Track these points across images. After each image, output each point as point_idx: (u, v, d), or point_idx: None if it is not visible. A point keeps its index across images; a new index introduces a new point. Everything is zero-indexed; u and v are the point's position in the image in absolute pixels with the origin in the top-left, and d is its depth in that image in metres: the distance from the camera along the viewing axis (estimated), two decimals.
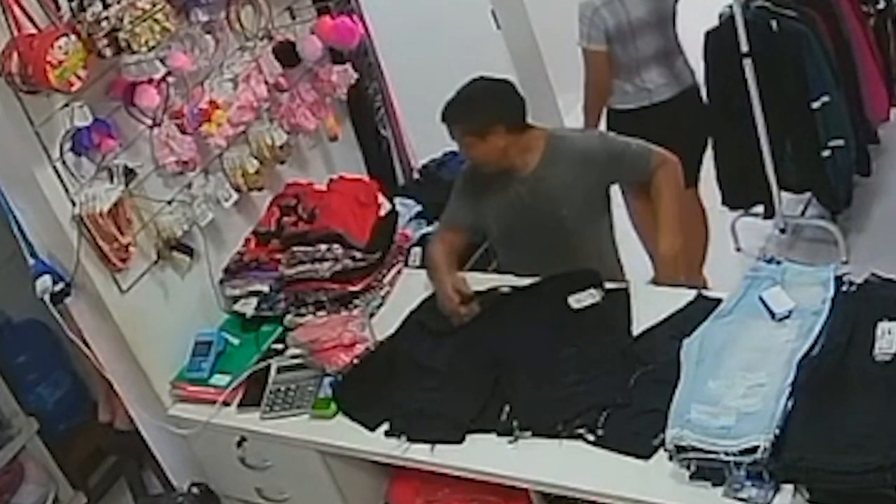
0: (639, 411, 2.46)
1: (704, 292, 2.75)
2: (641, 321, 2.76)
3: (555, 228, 3.01)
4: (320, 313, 3.14)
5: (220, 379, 3.07)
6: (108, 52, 2.71)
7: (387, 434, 2.73)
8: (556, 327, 2.82)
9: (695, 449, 2.24)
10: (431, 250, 3.18)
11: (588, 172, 2.98)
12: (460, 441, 2.62)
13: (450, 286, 2.97)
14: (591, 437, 2.46)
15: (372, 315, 3.14)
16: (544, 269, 3.00)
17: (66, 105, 2.77)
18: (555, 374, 2.67)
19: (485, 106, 2.95)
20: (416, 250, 3.43)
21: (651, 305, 2.79)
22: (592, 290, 2.87)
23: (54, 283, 2.90)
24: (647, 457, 2.36)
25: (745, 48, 3.73)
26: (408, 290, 3.22)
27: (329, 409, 2.86)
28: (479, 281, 3.10)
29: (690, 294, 2.77)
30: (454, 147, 3.28)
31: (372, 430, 2.76)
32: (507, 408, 2.62)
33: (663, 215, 3.01)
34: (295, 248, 3.19)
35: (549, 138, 3.02)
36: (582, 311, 2.84)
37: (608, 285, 2.91)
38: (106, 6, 2.68)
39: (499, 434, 2.58)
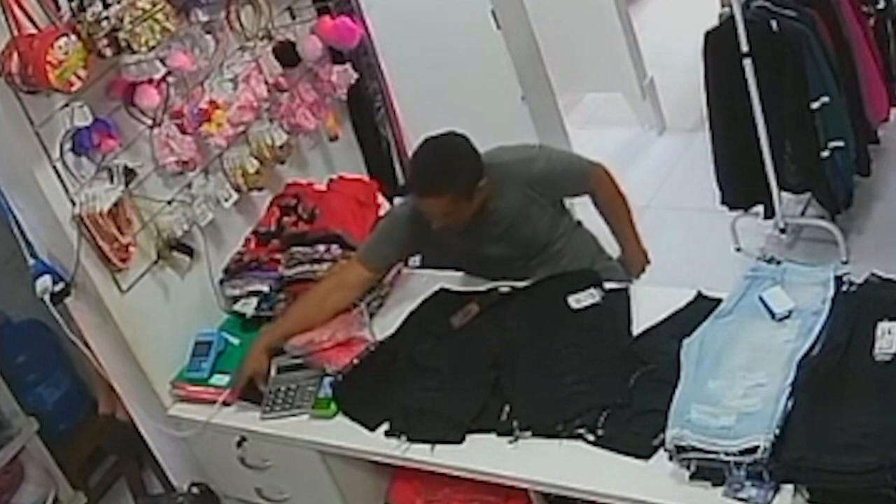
0: (639, 411, 2.46)
1: (704, 292, 2.75)
2: (641, 321, 2.75)
3: (521, 247, 2.97)
4: None
5: (220, 379, 3.08)
6: (108, 52, 2.71)
7: (387, 434, 2.72)
8: (556, 327, 2.81)
9: (695, 449, 2.24)
10: (316, 287, 3.07)
11: (535, 193, 2.91)
12: (460, 441, 2.62)
13: (249, 364, 2.96)
14: (590, 437, 2.46)
15: (372, 315, 3.13)
16: (519, 277, 2.99)
17: (66, 105, 2.77)
18: (555, 374, 2.67)
19: (469, 163, 2.81)
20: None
21: (651, 305, 2.79)
22: (592, 290, 2.87)
23: (54, 283, 2.90)
24: (646, 457, 2.36)
25: (745, 48, 3.73)
26: (407, 290, 3.22)
27: (329, 409, 2.85)
28: (479, 281, 3.10)
29: (690, 294, 2.77)
30: None
31: (372, 430, 2.76)
32: (506, 408, 2.62)
33: (624, 229, 3.10)
34: (294, 249, 3.19)
35: (490, 170, 2.85)
36: (582, 311, 2.84)
37: (608, 285, 2.91)
38: (106, 6, 2.68)
39: (499, 434, 2.57)
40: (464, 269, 3.18)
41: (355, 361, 2.89)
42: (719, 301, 2.63)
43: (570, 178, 3.01)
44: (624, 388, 2.53)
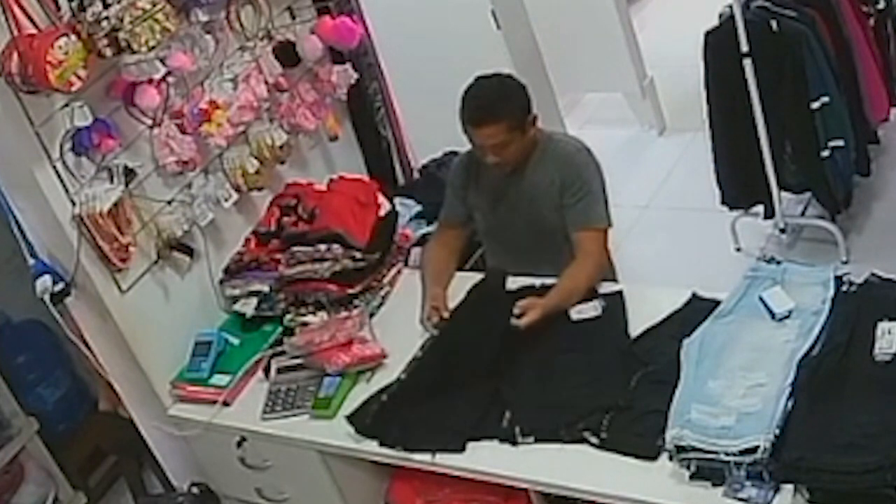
0: (641, 413, 2.46)
1: (699, 293, 2.75)
2: (639, 321, 2.75)
3: (537, 225, 3.02)
4: (320, 313, 3.14)
5: (220, 379, 3.08)
6: (108, 52, 2.71)
7: (384, 444, 2.70)
8: (555, 331, 2.80)
9: (695, 449, 2.24)
10: (428, 252, 3.21)
11: (564, 180, 2.95)
12: (461, 449, 2.60)
13: (429, 301, 3.00)
14: (594, 441, 2.45)
15: (372, 315, 3.14)
16: (526, 264, 2.99)
17: (66, 105, 2.77)
18: (555, 379, 2.66)
19: (521, 95, 2.93)
20: (416, 250, 3.44)
21: (648, 306, 2.79)
22: (594, 303, 2.84)
23: (54, 283, 2.90)
24: (652, 458, 2.35)
25: (745, 48, 3.73)
26: (408, 290, 3.22)
27: (329, 409, 2.85)
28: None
29: (686, 294, 2.77)
30: (454, 147, 3.28)
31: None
32: (507, 414, 2.61)
33: (564, 289, 2.86)
34: (295, 248, 3.19)
35: (544, 137, 3.02)
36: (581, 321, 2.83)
37: (605, 288, 2.90)
38: (106, 6, 2.68)
39: (500, 441, 2.57)
40: (483, 235, 3.23)
41: (402, 377, 2.82)
42: (716, 301, 2.63)
43: (584, 198, 2.94)
44: (625, 391, 2.52)
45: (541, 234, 3.02)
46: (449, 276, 3.13)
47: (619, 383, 2.55)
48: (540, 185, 2.98)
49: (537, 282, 2.97)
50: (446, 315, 2.93)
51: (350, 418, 2.76)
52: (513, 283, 2.98)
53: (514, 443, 2.54)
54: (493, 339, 2.77)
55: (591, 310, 2.84)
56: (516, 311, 2.78)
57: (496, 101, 2.88)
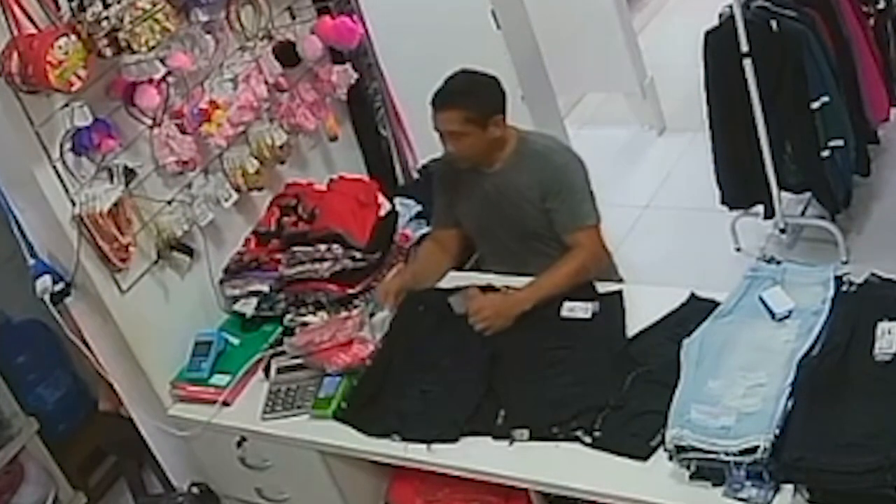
0: (635, 413, 2.46)
1: (697, 293, 2.75)
2: (636, 321, 2.75)
3: (519, 226, 3.02)
4: (320, 313, 3.14)
5: (220, 379, 3.08)
6: (108, 52, 2.71)
7: (381, 435, 2.72)
8: (550, 328, 2.81)
9: (695, 449, 2.24)
10: (420, 249, 3.25)
11: (544, 184, 2.94)
12: (456, 439, 2.61)
13: (393, 282, 3.08)
14: (587, 440, 2.45)
15: (372, 315, 3.13)
16: (514, 265, 3.00)
17: (66, 105, 2.77)
18: (549, 377, 2.66)
19: (490, 94, 2.93)
20: (416, 250, 3.44)
21: (647, 306, 2.79)
22: (587, 305, 2.83)
23: (54, 283, 2.91)
24: (644, 458, 2.36)
25: (745, 48, 3.73)
26: None
27: (329, 409, 2.85)
28: (477, 281, 3.10)
29: (684, 294, 2.77)
30: None
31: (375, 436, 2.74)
32: (502, 412, 2.62)
33: (552, 276, 2.87)
34: (295, 248, 3.19)
35: (519, 138, 3.01)
36: (571, 319, 2.83)
37: (603, 288, 2.89)
38: (106, 6, 2.69)
39: (494, 438, 2.57)
40: (473, 238, 3.23)
41: (368, 363, 2.89)
42: (713, 301, 2.63)
43: (569, 202, 2.92)
44: (619, 390, 2.52)
45: (525, 235, 3.02)
46: (434, 268, 3.14)
47: (613, 383, 2.55)
48: (520, 188, 2.97)
49: (498, 282, 3.00)
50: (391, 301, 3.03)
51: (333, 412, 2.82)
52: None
53: (510, 440, 2.54)
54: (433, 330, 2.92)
55: (581, 311, 2.83)
56: (470, 318, 2.86)
57: (462, 90, 2.91)
